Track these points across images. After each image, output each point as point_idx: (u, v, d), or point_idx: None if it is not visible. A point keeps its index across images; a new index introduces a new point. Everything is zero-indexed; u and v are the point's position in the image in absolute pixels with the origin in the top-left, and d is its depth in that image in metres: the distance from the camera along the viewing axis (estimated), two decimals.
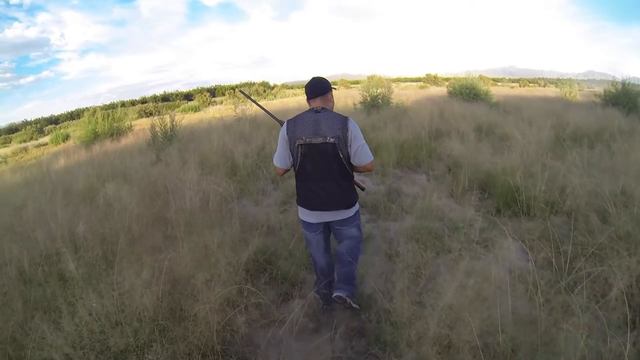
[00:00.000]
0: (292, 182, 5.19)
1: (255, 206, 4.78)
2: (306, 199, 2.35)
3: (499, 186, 4.45)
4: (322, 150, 2.20)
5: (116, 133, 12.36)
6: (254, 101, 3.14)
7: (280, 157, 2.34)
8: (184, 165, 5.25)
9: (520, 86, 44.28)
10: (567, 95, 17.36)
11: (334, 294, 2.47)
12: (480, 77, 15.88)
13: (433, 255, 3.20)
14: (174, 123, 8.43)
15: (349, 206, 2.37)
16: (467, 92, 14.05)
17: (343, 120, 2.20)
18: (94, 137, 12.08)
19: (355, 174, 2.42)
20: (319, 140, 2.18)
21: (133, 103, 47.29)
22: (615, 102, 11.86)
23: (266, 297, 2.82)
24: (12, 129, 40.92)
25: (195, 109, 31.96)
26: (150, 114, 35.32)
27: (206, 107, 33.80)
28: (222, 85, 50.71)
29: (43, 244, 3.20)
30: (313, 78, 2.39)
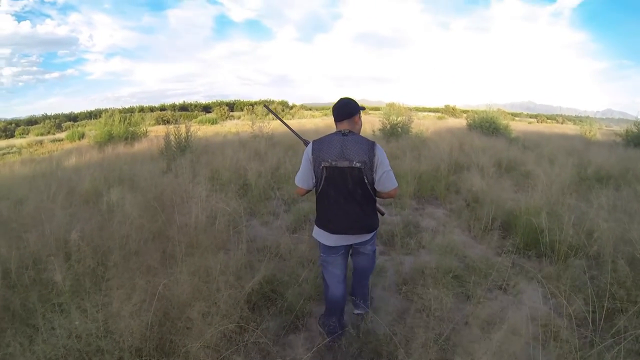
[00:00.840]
0: (305, 205, 5.04)
1: (264, 228, 4.56)
2: (328, 222, 2.28)
3: (521, 225, 4.19)
4: (348, 174, 2.16)
5: (131, 137, 12.30)
6: (279, 117, 2.99)
7: (303, 177, 2.28)
8: (194, 179, 5.05)
9: (538, 122, 44.01)
10: (587, 133, 16.90)
11: (355, 312, 2.69)
12: (499, 111, 15.71)
13: (453, 300, 2.95)
14: (189, 133, 8.31)
15: (371, 231, 2.35)
16: (487, 126, 13.98)
17: (370, 145, 2.18)
18: (109, 139, 12.02)
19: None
20: (345, 164, 2.14)
21: (152, 109, 48.14)
22: (637, 143, 11.75)
23: (269, 328, 2.58)
24: (32, 121, 41.61)
25: (213, 122, 32.16)
26: (167, 122, 35.20)
27: (224, 120, 33.98)
28: (242, 100, 51.60)
29: (35, 246, 2.98)
30: (341, 99, 2.35)
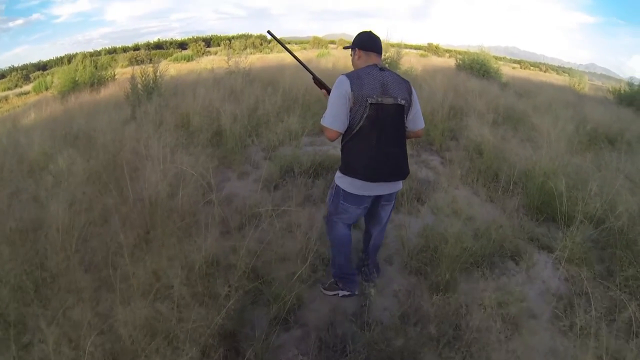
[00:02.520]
0: (287, 151, 4.50)
1: (241, 182, 4.00)
2: (366, 169, 2.00)
3: (534, 187, 3.71)
4: (392, 112, 1.98)
5: (97, 83, 11.13)
6: (286, 48, 2.53)
7: (339, 118, 1.96)
8: (159, 128, 4.29)
9: (521, 68, 43.25)
10: (576, 85, 16.53)
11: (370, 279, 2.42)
12: (469, 52, 14.97)
13: (464, 275, 2.64)
14: (157, 74, 7.27)
15: (406, 176, 2.15)
16: (478, 68, 13.28)
17: (407, 82, 2.07)
18: (73, 87, 10.88)
19: None
20: (389, 101, 1.95)
21: (125, 50, 46.32)
22: (629, 102, 11.49)
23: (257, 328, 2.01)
24: None
25: (188, 59, 30.48)
26: (141, 62, 33.53)
27: (200, 57, 32.21)
28: (219, 35, 49.66)
29: None
30: (370, 32, 2.16)
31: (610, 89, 13.26)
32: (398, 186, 2.17)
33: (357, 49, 2.12)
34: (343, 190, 2.11)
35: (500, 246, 2.96)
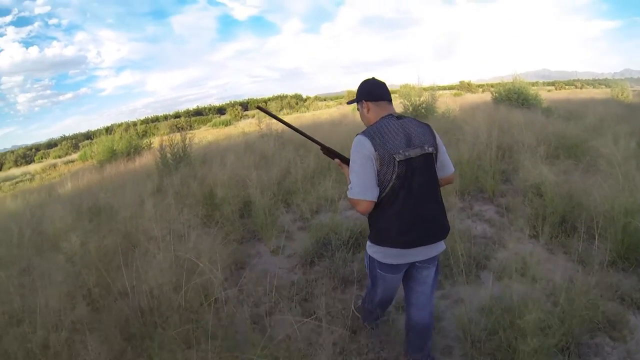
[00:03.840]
0: (324, 218, 4.13)
1: (274, 258, 3.62)
2: (401, 235, 1.72)
3: (613, 230, 3.05)
4: (422, 164, 1.73)
5: (134, 152, 11.44)
6: (276, 117, 2.09)
7: (368, 186, 1.69)
8: (182, 200, 4.08)
9: (556, 89, 42.69)
10: (619, 96, 15.77)
11: None
12: (503, 82, 14.54)
13: None
14: (186, 142, 7.29)
15: (447, 234, 1.85)
16: (516, 97, 12.69)
17: (428, 126, 1.84)
18: (111, 156, 11.23)
19: None
20: (417, 152, 1.71)
21: (166, 117, 48.96)
22: None
23: None
24: (51, 144, 42.07)
25: (226, 123, 31.84)
26: (182, 129, 35.67)
27: (238, 121, 33.52)
28: (255, 98, 52.08)
29: None
30: (373, 78, 1.92)
31: None
32: (440, 247, 1.85)
33: (364, 101, 1.86)
34: (381, 262, 1.83)
35: (589, 317, 2.31)
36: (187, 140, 7.37)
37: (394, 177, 1.68)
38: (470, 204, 4.49)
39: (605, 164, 4.05)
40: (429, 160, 1.75)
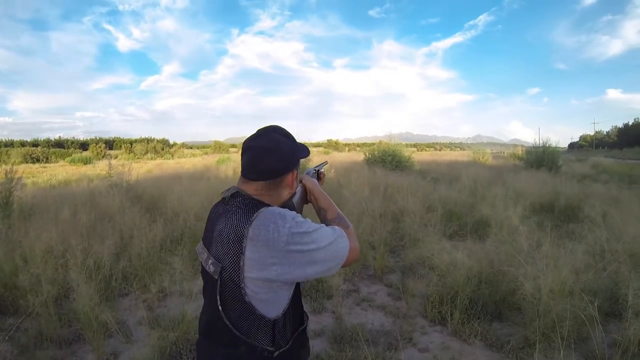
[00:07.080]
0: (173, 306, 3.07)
1: None
2: None
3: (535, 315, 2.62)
4: None
5: None
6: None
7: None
8: None
9: (418, 150, 47.26)
10: (481, 158, 17.75)
11: None
12: (381, 143, 15.46)
13: None
14: (12, 185, 5.32)
15: None
16: (390, 160, 12.96)
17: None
18: None
19: None
20: None
21: (23, 144, 44.18)
22: (539, 164, 12.31)
23: None
24: None
25: (86, 161, 27.86)
26: (37, 160, 30.22)
27: (99, 159, 29.58)
28: (122, 138, 48.62)
29: None
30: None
31: (508, 155, 14.51)
32: None
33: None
34: None
35: None
36: (15, 181, 5.33)
37: None
38: (357, 285, 3.77)
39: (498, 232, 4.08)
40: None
